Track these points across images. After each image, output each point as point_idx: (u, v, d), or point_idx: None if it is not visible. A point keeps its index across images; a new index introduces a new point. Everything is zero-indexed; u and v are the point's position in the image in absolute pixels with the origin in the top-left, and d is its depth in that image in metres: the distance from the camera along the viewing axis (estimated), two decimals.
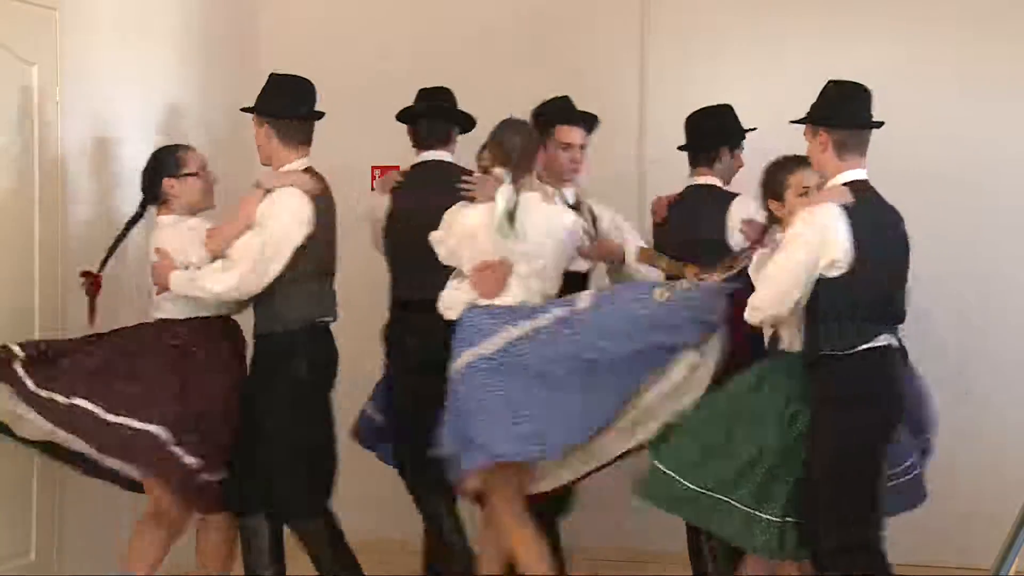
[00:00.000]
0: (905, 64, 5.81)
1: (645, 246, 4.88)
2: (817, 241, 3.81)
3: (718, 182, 4.91)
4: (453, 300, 4.34)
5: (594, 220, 4.97)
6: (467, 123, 5.11)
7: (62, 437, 4.32)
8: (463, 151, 5.21)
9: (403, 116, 5.10)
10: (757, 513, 3.95)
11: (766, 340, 4.39)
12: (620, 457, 4.31)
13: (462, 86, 5.55)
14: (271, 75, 4.64)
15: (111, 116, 5.23)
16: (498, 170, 4.34)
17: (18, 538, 4.92)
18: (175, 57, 6.03)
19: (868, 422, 3.89)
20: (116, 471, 4.48)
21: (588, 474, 4.38)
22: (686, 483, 4.07)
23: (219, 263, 4.40)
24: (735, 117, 5.02)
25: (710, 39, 6.09)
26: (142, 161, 4.83)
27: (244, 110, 4.66)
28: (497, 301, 4.27)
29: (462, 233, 4.35)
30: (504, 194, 4.23)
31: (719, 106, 5.01)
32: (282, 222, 4.37)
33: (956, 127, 5.80)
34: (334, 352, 4.64)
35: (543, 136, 4.68)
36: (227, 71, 6.18)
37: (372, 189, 5.74)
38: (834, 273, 3.81)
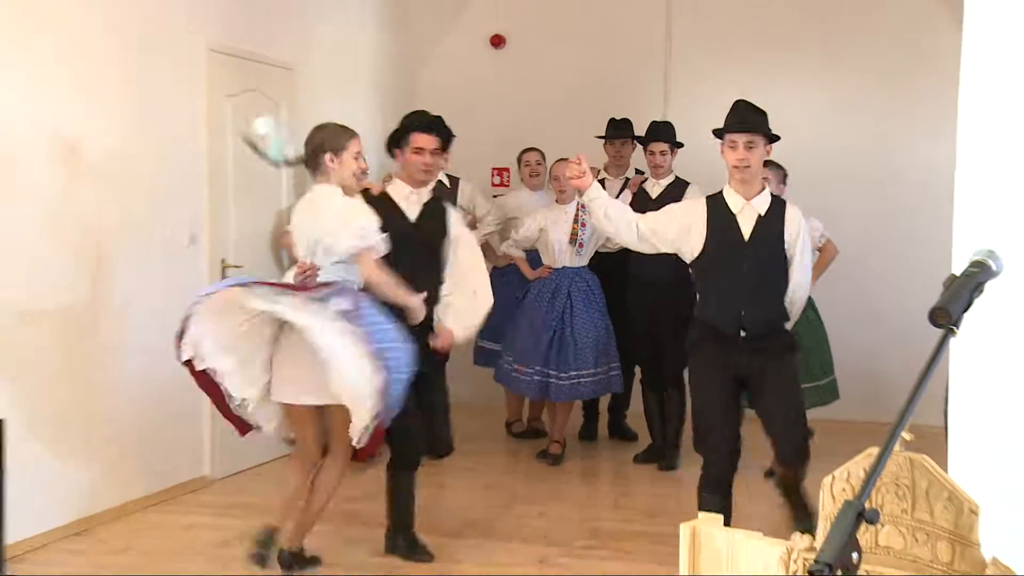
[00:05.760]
0: (835, 99, 8.11)
1: None
2: None
3: None
4: None
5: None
6: None
7: None
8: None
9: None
10: None
11: None
12: None
13: (540, 119, 7.98)
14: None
15: None
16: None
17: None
18: (366, 101, 8.15)
19: None
20: None
21: None
22: None
23: None
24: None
25: (720, 76, 7.99)
26: None
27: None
28: None
29: None
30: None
31: None
32: None
33: (872, 143, 8.06)
34: None
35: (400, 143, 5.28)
36: (395, 112, 7.86)
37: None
38: None
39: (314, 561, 4.98)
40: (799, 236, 4.72)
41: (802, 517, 4.95)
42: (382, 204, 5.07)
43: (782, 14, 8.37)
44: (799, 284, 4.77)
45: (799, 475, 4.87)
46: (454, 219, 5.32)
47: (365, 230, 4.69)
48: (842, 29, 8.26)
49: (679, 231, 4.72)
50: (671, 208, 4.93)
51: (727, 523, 4.61)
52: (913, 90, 8.06)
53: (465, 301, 5.18)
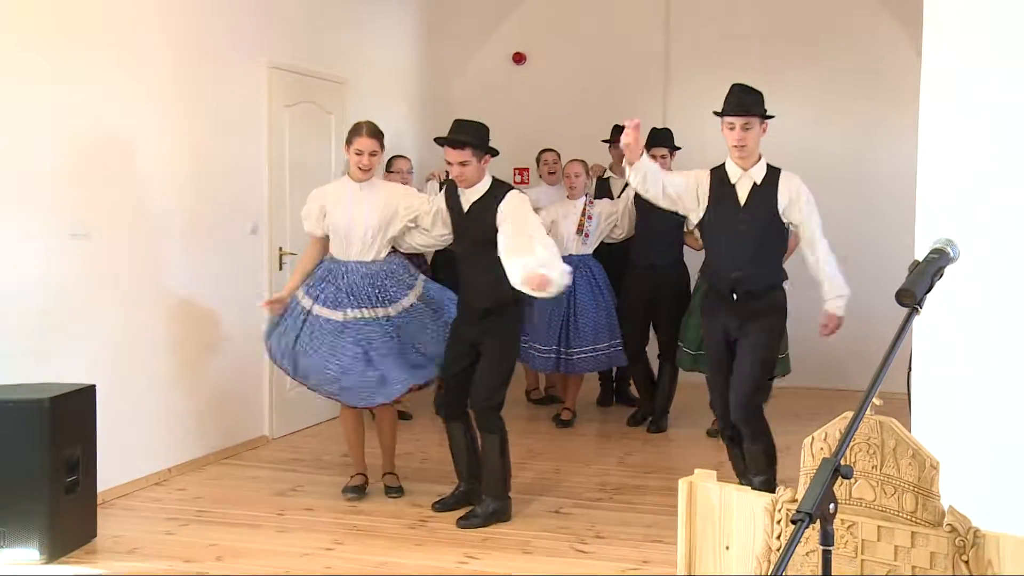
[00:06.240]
0: (817, 109, 8.13)
1: None
2: None
3: None
4: None
5: None
6: None
7: None
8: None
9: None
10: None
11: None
12: None
13: (555, 125, 8.01)
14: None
15: None
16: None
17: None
18: (407, 110, 8.26)
19: None
20: None
21: None
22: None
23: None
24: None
25: (711, 87, 7.44)
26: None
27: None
28: None
29: None
30: None
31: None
32: None
33: (848, 148, 8.09)
34: None
35: None
36: (432, 118, 8.36)
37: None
38: None
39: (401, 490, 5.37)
40: (793, 201, 4.55)
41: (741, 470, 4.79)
42: (454, 193, 5.00)
43: (767, 39, 8.33)
44: (812, 244, 4.56)
45: (749, 443, 4.64)
46: (500, 216, 4.80)
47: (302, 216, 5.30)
48: (823, 49, 8.22)
49: (693, 197, 4.69)
50: (687, 177, 4.76)
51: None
52: (881, 103, 8.03)
53: (535, 254, 4.61)
